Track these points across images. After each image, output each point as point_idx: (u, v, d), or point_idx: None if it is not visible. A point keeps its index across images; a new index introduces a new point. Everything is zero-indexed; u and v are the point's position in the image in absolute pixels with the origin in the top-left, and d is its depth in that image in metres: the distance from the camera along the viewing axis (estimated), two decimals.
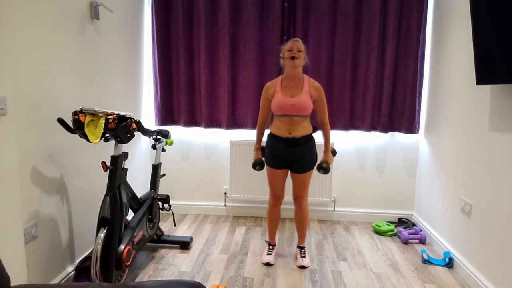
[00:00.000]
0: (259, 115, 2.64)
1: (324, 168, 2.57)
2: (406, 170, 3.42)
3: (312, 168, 2.54)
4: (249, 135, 3.48)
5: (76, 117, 1.98)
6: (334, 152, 2.66)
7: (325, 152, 2.59)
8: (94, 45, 2.46)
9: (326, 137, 2.60)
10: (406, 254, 2.81)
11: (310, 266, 2.60)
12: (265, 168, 2.73)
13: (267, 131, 3.34)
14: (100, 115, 1.97)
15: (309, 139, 2.51)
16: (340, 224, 3.43)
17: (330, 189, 3.40)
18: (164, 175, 2.91)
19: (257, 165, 2.61)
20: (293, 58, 2.41)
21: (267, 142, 2.59)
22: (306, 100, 2.42)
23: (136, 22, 3.15)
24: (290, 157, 2.49)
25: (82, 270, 2.23)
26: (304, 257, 2.64)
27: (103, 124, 1.95)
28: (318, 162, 2.62)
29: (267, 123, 2.66)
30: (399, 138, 3.39)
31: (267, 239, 2.83)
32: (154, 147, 2.78)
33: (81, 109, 1.99)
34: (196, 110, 3.42)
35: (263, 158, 2.63)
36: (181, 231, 3.18)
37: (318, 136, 3.40)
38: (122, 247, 2.13)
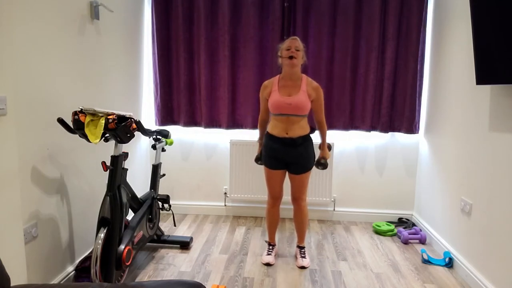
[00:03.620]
0: (259, 114, 2.65)
1: (323, 164, 2.58)
2: (406, 170, 3.42)
3: (310, 168, 2.53)
4: (249, 135, 3.48)
5: (76, 117, 1.98)
6: (329, 147, 2.67)
7: (322, 148, 2.61)
8: (94, 45, 2.46)
9: (323, 135, 2.61)
10: (406, 254, 2.81)
11: (310, 266, 2.60)
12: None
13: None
14: (100, 115, 1.97)
15: (306, 139, 2.50)
16: (340, 224, 3.43)
17: (330, 189, 3.40)
18: (164, 175, 2.91)
19: (259, 160, 2.70)
20: (291, 57, 2.38)
21: (264, 142, 2.57)
22: (303, 100, 2.40)
23: (136, 22, 3.15)
24: (287, 157, 2.48)
25: (82, 270, 2.23)
26: (304, 257, 2.64)
27: (103, 124, 1.95)
28: (316, 159, 2.63)
29: (268, 121, 2.65)
30: (399, 138, 3.39)
31: (267, 239, 2.83)
32: (154, 147, 2.78)
33: (81, 109, 1.99)
34: (196, 110, 3.43)
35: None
36: (181, 231, 3.18)
37: (315, 137, 3.41)
38: (122, 247, 2.13)
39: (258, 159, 2.70)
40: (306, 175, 2.53)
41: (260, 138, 2.69)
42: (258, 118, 2.68)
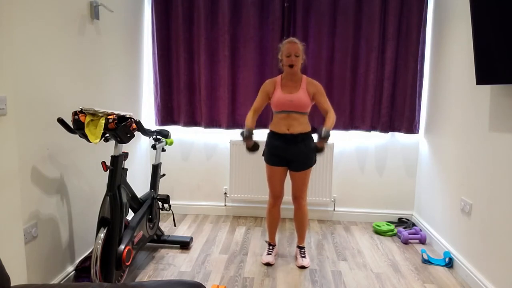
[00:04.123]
0: (254, 102, 2.61)
1: (322, 136, 2.30)
2: (406, 170, 3.42)
3: (311, 166, 2.54)
4: None
5: (76, 117, 1.98)
6: (327, 134, 2.35)
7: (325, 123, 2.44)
8: (94, 45, 2.46)
9: (330, 119, 2.45)
10: (406, 254, 2.81)
11: (310, 266, 2.60)
12: (264, 167, 2.74)
13: (266, 131, 3.34)
14: (100, 115, 1.97)
15: (307, 137, 2.52)
16: (340, 224, 3.43)
17: (330, 189, 3.40)
18: (164, 175, 2.91)
19: (251, 149, 2.46)
20: (291, 66, 2.45)
21: (266, 140, 2.60)
22: (303, 97, 2.45)
23: (136, 22, 3.15)
24: (288, 154, 2.50)
25: (82, 270, 2.23)
26: (304, 257, 2.64)
27: (103, 124, 1.95)
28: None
29: (259, 113, 2.61)
30: (399, 138, 3.39)
31: (267, 239, 2.83)
32: (154, 147, 2.78)
33: (81, 109, 1.99)
34: (196, 110, 3.42)
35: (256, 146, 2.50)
36: (181, 231, 3.18)
37: (316, 137, 3.42)
38: (122, 247, 2.13)
39: (249, 149, 2.46)
40: (306, 172, 2.53)
41: (249, 130, 2.44)
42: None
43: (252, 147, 2.47)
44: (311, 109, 2.57)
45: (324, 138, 2.33)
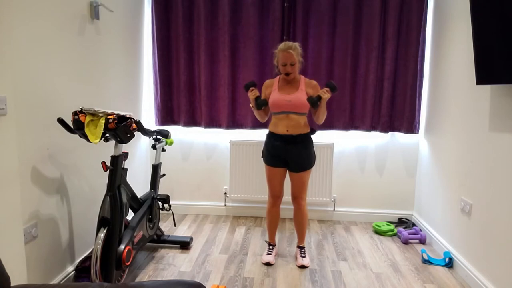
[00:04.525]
0: None
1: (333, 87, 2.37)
2: (406, 170, 3.42)
3: (310, 167, 2.54)
4: (249, 135, 3.48)
5: (76, 117, 1.98)
6: (333, 86, 2.41)
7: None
8: (94, 45, 2.46)
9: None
10: (406, 254, 2.81)
11: (310, 266, 2.60)
12: (264, 167, 2.74)
13: (265, 131, 3.34)
14: (100, 115, 1.97)
15: (307, 138, 2.52)
16: (340, 224, 3.43)
17: (330, 189, 3.40)
18: (164, 175, 2.91)
19: (257, 102, 2.48)
20: (287, 74, 2.45)
21: (265, 141, 2.60)
22: (302, 97, 2.44)
23: (136, 22, 3.15)
24: (288, 155, 2.50)
25: (82, 270, 2.23)
26: (304, 257, 2.64)
27: (103, 124, 1.95)
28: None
29: (266, 112, 2.64)
30: (399, 138, 3.39)
31: (267, 239, 2.83)
32: (154, 147, 2.78)
33: (81, 109, 1.99)
34: (196, 110, 3.42)
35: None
36: (181, 231, 3.18)
37: (316, 138, 3.42)
38: (122, 247, 2.13)
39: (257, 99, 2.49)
40: (305, 173, 2.53)
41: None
42: (258, 118, 2.67)
43: (258, 98, 2.47)
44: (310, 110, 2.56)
45: (332, 87, 2.37)
